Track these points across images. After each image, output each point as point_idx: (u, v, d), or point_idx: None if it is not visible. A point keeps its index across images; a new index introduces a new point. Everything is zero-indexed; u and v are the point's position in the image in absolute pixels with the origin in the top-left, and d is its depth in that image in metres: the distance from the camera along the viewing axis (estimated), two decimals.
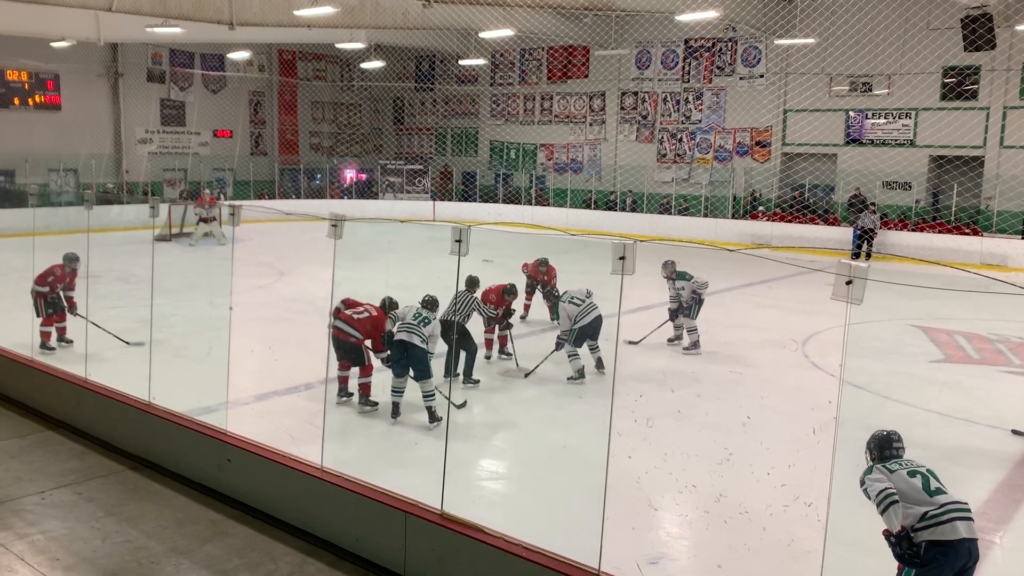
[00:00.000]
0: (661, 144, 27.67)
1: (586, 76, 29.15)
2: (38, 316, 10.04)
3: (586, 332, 9.40)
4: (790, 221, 23.99)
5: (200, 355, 10.36)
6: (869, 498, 4.30)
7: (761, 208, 25.29)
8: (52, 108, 26.51)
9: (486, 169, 32.08)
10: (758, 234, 23.65)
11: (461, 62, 30.04)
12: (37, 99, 26.27)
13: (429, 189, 31.92)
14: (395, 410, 8.15)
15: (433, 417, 7.98)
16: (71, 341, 10.24)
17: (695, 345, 11.18)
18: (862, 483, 4.38)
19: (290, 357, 10.31)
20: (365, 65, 30.01)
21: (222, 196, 28.82)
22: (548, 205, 29.35)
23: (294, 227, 22.42)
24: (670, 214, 26.50)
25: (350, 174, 33.12)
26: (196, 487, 6.51)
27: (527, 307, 12.81)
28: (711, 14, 19.70)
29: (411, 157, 33.93)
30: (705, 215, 26.11)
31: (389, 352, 8.20)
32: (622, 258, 5.09)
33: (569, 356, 9.44)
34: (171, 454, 6.90)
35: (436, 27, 22.72)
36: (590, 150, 29.38)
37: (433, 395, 7.96)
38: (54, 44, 24.10)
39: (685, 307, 11.23)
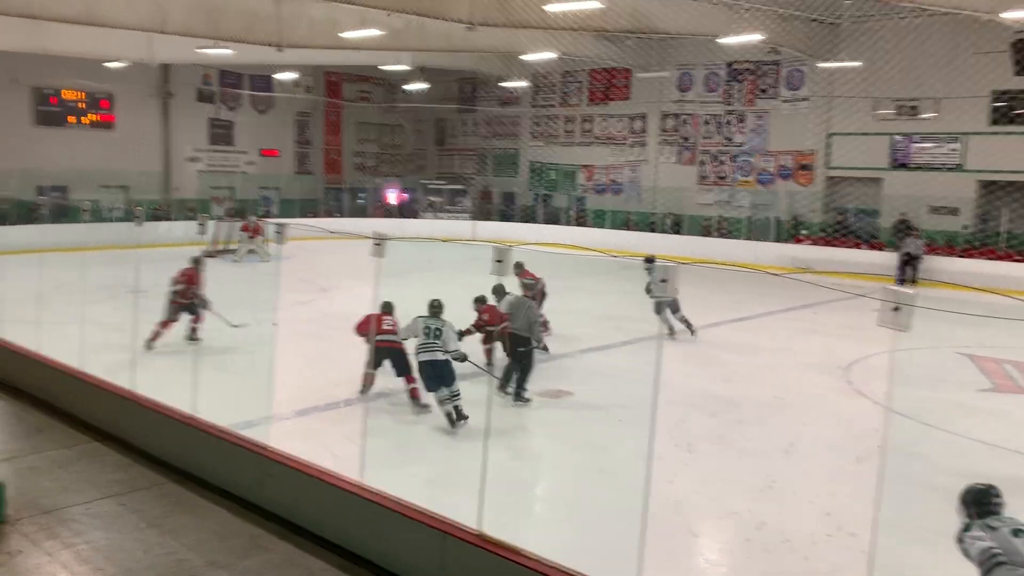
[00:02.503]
0: (702, 166, 27.52)
1: (627, 98, 29.15)
2: (166, 318, 11.20)
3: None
4: (833, 245, 23.65)
5: (243, 370, 10.48)
6: (968, 557, 4.04)
7: (804, 232, 24.97)
8: (105, 126, 27.25)
9: (526, 190, 32.18)
10: (801, 258, 23.33)
11: (503, 84, 30.27)
12: (92, 117, 27.04)
13: (469, 209, 32.09)
14: (459, 414, 8.24)
15: (460, 415, 8.16)
16: (200, 339, 11.30)
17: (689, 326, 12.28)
18: (960, 540, 4.12)
19: (331, 373, 10.39)
20: (409, 87, 30.40)
21: (268, 213, 29.30)
22: (588, 226, 29.31)
23: (336, 244, 22.67)
24: (711, 236, 26.29)
25: (393, 194, 33.46)
26: (237, 501, 6.56)
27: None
28: (754, 37, 19.62)
29: (452, 177, 34.18)
30: (747, 238, 25.84)
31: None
32: (664, 281, 5.07)
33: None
34: (213, 467, 6.97)
35: (479, 50, 22.95)
36: (630, 171, 29.32)
37: (459, 395, 8.21)
38: (109, 64, 24.82)
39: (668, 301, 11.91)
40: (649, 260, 12.79)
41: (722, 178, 27.10)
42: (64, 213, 20.66)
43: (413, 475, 7.33)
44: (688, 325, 12.79)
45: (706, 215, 27.08)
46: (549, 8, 16.42)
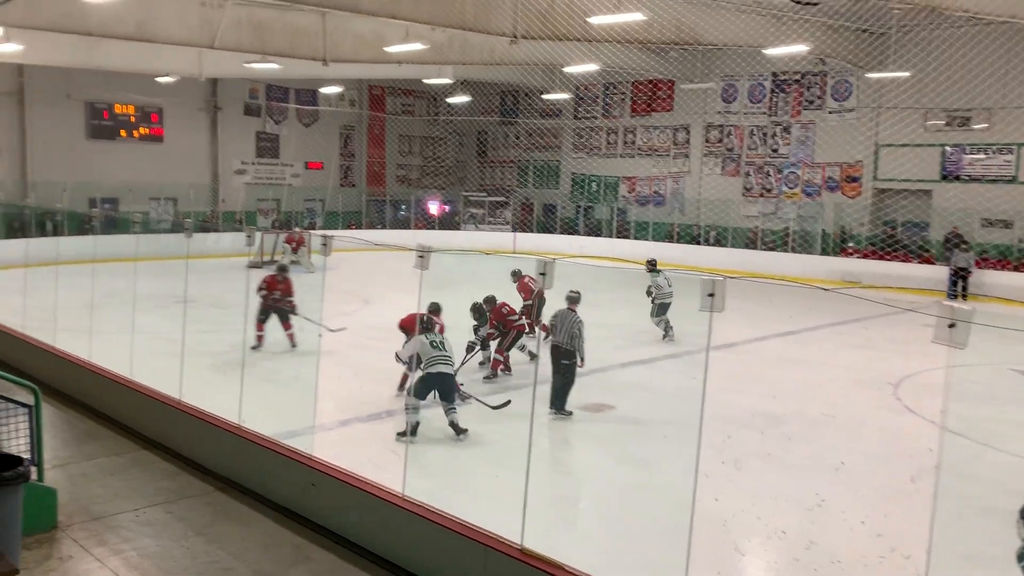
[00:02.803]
0: (747, 178, 27.24)
1: (670, 109, 29.01)
2: (257, 320, 12.16)
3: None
4: (882, 259, 23.20)
5: (288, 379, 10.61)
6: None
7: (851, 245, 24.56)
8: (155, 140, 27.89)
9: (567, 201, 32.15)
10: (849, 271, 22.93)
11: (545, 96, 30.33)
12: (142, 131, 27.70)
13: (510, 221, 32.17)
14: (415, 430, 8.23)
15: (459, 429, 8.43)
16: (296, 345, 12.24)
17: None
18: (1020, 558, 4.05)
19: (373, 384, 10.45)
20: (451, 100, 30.61)
21: (312, 225, 29.72)
22: (630, 238, 29.16)
23: (379, 256, 22.86)
24: (756, 249, 25.98)
25: (434, 205, 33.70)
26: (281, 510, 6.61)
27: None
28: (800, 48, 19.40)
29: (493, 189, 34.32)
30: (793, 251, 25.48)
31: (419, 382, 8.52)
32: (711, 295, 5.00)
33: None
34: (258, 477, 7.04)
35: (522, 63, 23.03)
36: (673, 183, 29.14)
37: (455, 408, 8.56)
38: (159, 79, 25.41)
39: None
40: (652, 263, 14.27)
41: (767, 190, 26.79)
42: (115, 224, 21.14)
43: (455, 487, 7.33)
44: (664, 329, 13.91)
45: (751, 227, 26.78)
46: (592, 20, 16.41)
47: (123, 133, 27.25)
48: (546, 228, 31.63)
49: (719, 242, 27.20)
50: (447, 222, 32.77)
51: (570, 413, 9.21)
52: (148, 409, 8.41)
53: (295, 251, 22.24)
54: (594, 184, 31.47)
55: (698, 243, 27.45)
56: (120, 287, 10.79)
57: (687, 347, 12.69)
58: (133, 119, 27.43)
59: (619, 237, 29.22)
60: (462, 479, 7.57)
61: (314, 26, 19.64)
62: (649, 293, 13.96)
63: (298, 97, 31.07)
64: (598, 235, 29.89)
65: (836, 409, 10.10)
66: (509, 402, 9.24)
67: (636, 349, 13.24)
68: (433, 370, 8.47)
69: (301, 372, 10.53)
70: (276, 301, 12.32)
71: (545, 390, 9.28)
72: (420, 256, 6.98)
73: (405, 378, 9.48)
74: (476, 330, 11.16)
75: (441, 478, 7.55)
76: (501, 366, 10.94)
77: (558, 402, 9.15)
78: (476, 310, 11.09)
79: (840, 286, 20.01)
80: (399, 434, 8.39)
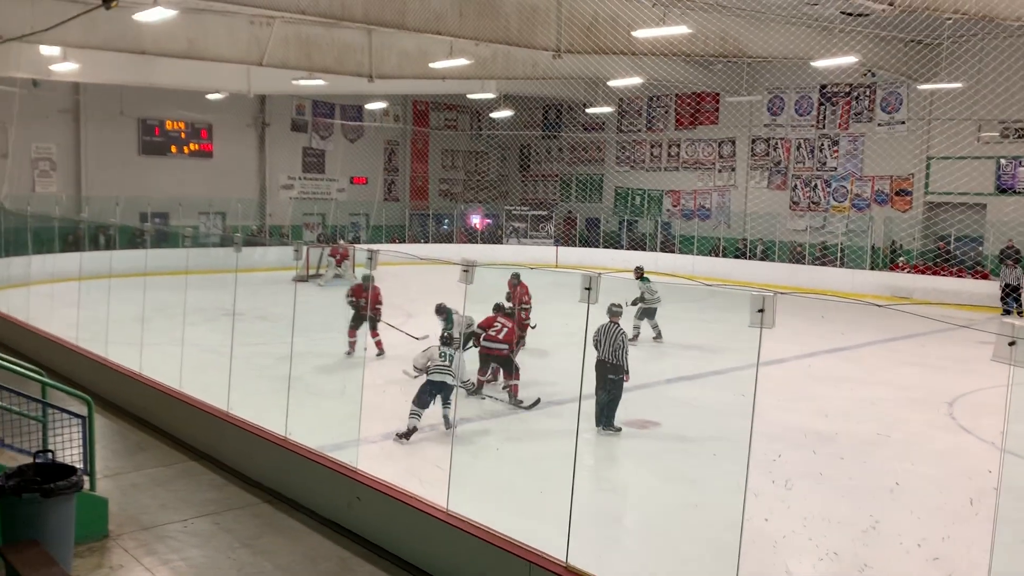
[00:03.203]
0: (794, 191, 26.87)
1: (715, 122, 28.78)
2: (349, 327, 13.09)
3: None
4: (934, 274, 22.65)
5: (333, 392, 10.68)
6: None
7: (902, 259, 24.04)
8: (204, 155, 28.48)
9: (610, 215, 32.04)
10: (899, 287, 22.44)
11: (588, 110, 30.31)
12: (192, 147, 28.31)
13: (553, 234, 32.15)
14: (410, 433, 8.87)
15: (448, 423, 9.02)
16: (382, 352, 12.93)
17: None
18: None
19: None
20: (494, 114, 30.76)
21: (357, 239, 30.05)
22: (674, 252, 28.93)
23: (423, 270, 23.00)
24: (803, 263, 25.58)
25: (476, 219, 33.84)
26: (326, 523, 6.64)
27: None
28: (849, 59, 19.10)
29: (536, 203, 34.35)
30: (842, 265, 25.03)
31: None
32: (761, 311, 4.91)
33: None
34: (304, 489, 7.09)
35: (565, 76, 23.03)
36: (719, 196, 28.87)
37: (450, 405, 9.10)
38: (209, 96, 25.97)
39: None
40: (640, 271, 15.14)
41: (815, 203, 26.39)
42: (165, 238, 21.60)
43: (499, 503, 7.29)
44: (656, 332, 14.58)
45: (798, 241, 26.39)
46: (636, 34, 16.36)
47: (173, 149, 27.88)
48: (589, 242, 31.53)
49: (766, 256, 26.85)
50: (489, 236, 32.86)
51: (619, 429, 9.11)
52: (196, 421, 8.54)
53: (339, 264, 22.51)
54: (638, 198, 31.32)
55: (744, 257, 27.12)
56: (170, 300, 11.00)
57: (733, 363, 12.50)
58: (183, 135, 28.05)
59: (663, 251, 29.00)
60: (507, 495, 7.53)
61: (360, 43, 19.89)
62: (635, 302, 14.33)
63: (344, 113, 31.50)
64: (642, 249, 29.70)
65: (890, 428, 9.85)
66: (539, 400, 9.80)
67: (681, 365, 13.09)
68: (435, 378, 8.96)
69: (347, 385, 10.60)
70: (362, 308, 12.96)
71: (587, 406, 9.21)
72: (465, 270, 6.99)
73: (478, 383, 10.62)
74: (446, 336, 10.31)
75: (485, 493, 7.52)
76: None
77: (605, 418, 9.06)
78: (441, 311, 11.17)
79: (892, 301, 19.60)
80: (398, 435, 8.90)
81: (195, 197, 27.20)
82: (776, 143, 27.23)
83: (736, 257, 27.26)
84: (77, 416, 6.45)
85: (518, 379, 10.40)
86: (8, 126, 22.38)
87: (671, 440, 9.25)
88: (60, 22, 14.44)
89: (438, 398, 9.03)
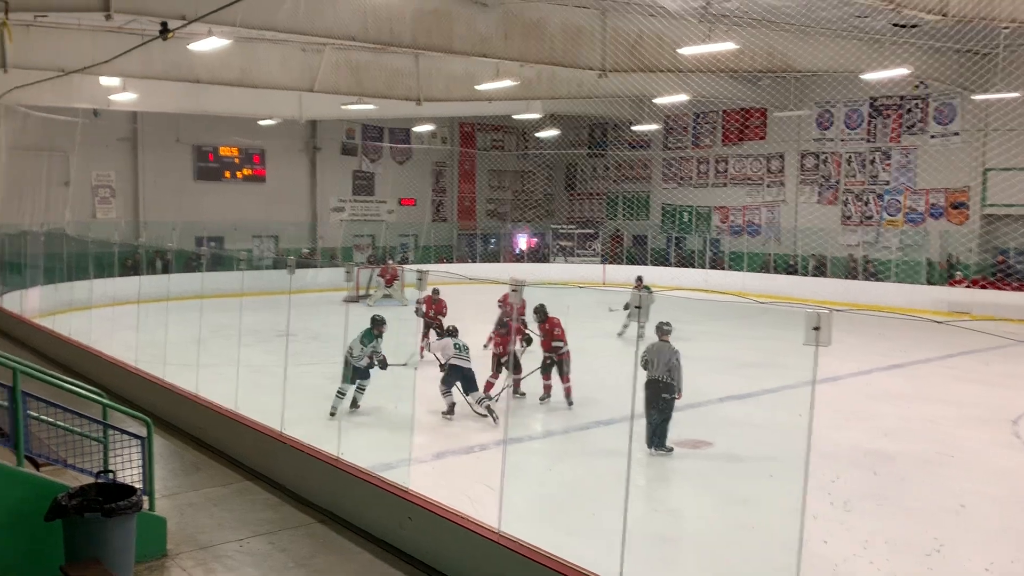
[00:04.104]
0: (846, 206, 26.39)
1: (763, 138, 28.46)
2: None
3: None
4: (993, 288, 21.99)
5: (384, 412, 10.74)
6: None
7: (959, 273, 23.40)
8: (258, 180, 29.09)
9: (658, 232, 31.84)
10: (957, 302, 21.83)
11: (634, 128, 30.24)
12: (245, 172, 28.95)
13: (600, 252, 32.04)
14: (452, 408, 10.54)
15: (493, 413, 10.33)
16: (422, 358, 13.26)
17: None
18: None
19: (467, 417, 10.47)
20: (540, 134, 30.87)
21: (406, 260, 30.34)
22: (723, 268, 28.58)
23: (471, 290, 23.09)
24: (857, 279, 25.05)
25: (522, 239, 33.92)
26: (378, 543, 6.64)
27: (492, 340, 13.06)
28: (900, 71, 18.76)
29: (582, 221, 34.31)
30: (896, 281, 24.45)
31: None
32: (816, 328, 4.80)
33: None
34: (356, 509, 7.11)
35: (610, 95, 23.03)
36: (768, 212, 28.49)
37: (484, 399, 10.54)
38: (261, 122, 26.54)
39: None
40: (640, 280, 16.60)
41: (867, 218, 25.88)
42: (220, 262, 22.07)
43: (551, 523, 7.22)
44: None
45: (850, 256, 25.87)
46: (682, 51, 16.30)
47: (227, 174, 28.52)
48: (636, 260, 31.35)
49: (818, 272, 26.36)
50: (536, 255, 32.90)
51: (671, 449, 8.99)
52: (251, 441, 8.64)
53: (388, 284, 22.69)
54: (686, 214, 31.07)
55: (795, 273, 26.68)
56: (225, 322, 11.20)
57: (786, 381, 12.27)
58: (237, 160, 28.70)
59: (712, 268, 28.68)
60: (558, 515, 7.46)
61: (408, 67, 20.17)
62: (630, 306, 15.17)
63: (392, 136, 31.93)
64: (690, 266, 29.43)
65: (951, 447, 9.54)
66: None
67: (732, 383, 12.88)
68: (455, 363, 10.48)
69: (397, 405, 10.64)
70: (432, 318, 14.29)
71: (637, 426, 9.10)
72: (513, 290, 6.99)
73: (545, 388, 11.36)
74: (453, 328, 11.57)
75: (537, 514, 7.46)
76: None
77: (657, 439, 8.93)
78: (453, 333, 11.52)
79: (949, 317, 19.07)
80: (444, 413, 10.41)
81: (249, 221, 27.76)
82: (826, 157, 26.81)
83: (787, 273, 26.84)
84: (137, 437, 6.57)
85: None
86: (70, 155, 23.13)
87: (724, 460, 9.09)
88: (119, 54, 14.92)
89: (454, 388, 10.48)
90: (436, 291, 14.91)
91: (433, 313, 14.45)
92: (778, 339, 12.31)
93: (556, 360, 11.18)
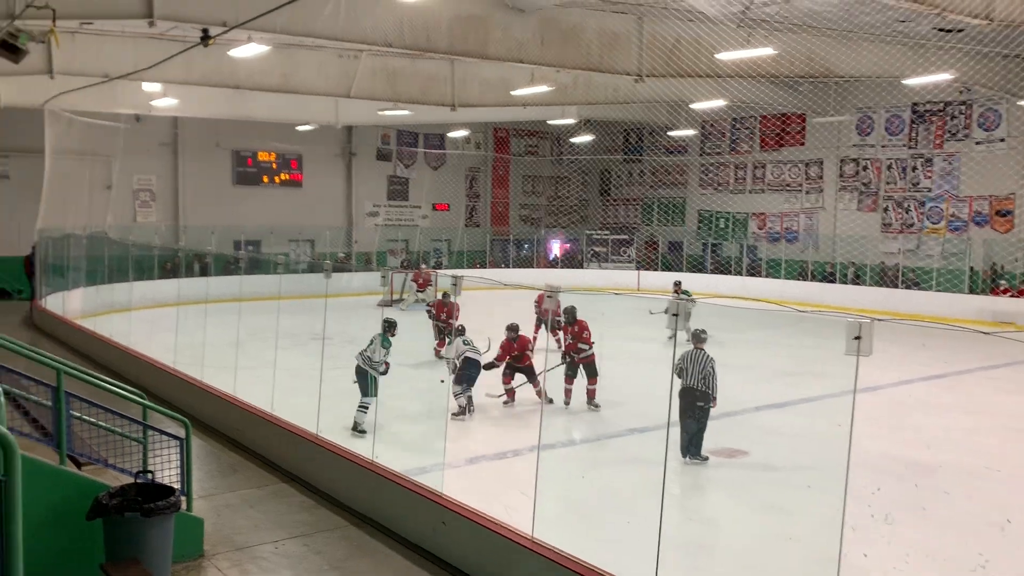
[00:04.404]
0: (886, 213, 25.99)
1: (802, 143, 28.14)
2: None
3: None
4: None
5: (418, 415, 10.78)
6: None
7: (1004, 283, 22.90)
8: (295, 185, 29.44)
9: (693, 238, 31.62)
10: (1002, 311, 21.35)
11: (670, 133, 30.08)
12: (282, 177, 29.32)
13: (634, 259, 31.90)
14: (466, 409, 10.63)
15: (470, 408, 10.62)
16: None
17: None
18: None
19: (500, 422, 10.47)
20: (575, 139, 30.83)
21: (439, 265, 30.46)
22: (760, 276, 28.29)
23: (503, 295, 23.12)
24: (897, 288, 24.64)
25: (556, 245, 33.89)
26: (412, 547, 6.67)
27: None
28: (943, 76, 18.44)
29: (617, 227, 34.20)
30: (938, 289, 24.00)
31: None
32: (858, 338, 4.73)
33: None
34: (391, 512, 7.15)
35: (646, 100, 22.92)
36: (806, 219, 28.16)
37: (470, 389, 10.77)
38: (299, 128, 26.85)
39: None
40: (679, 284, 17.37)
41: (908, 225, 25.45)
42: (257, 265, 22.35)
43: (585, 531, 7.19)
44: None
45: (890, 264, 25.46)
46: (720, 57, 16.18)
47: (265, 179, 28.91)
48: (671, 266, 31.14)
49: (857, 280, 25.98)
50: (570, 260, 32.85)
51: (706, 458, 8.90)
52: (287, 443, 8.72)
53: (421, 289, 22.71)
54: (722, 221, 30.82)
55: (833, 281, 26.32)
56: (262, 325, 11.32)
57: (825, 390, 12.09)
58: (275, 166, 29.08)
59: (749, 275, 28.41)
60: (593, 523, 7.42)
61: (444, 73, 20.29)
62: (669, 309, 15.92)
63: (427, 141, 32.12)
64: (727, 273, 29.18)
65: (996, 460, 9.33)
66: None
67: (769, 392, 12.72)
68: (468, 356, 10.74)
69: (431, 408, 10.68)
70: (444, 322, 14.47)
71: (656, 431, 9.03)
72: (548, 296, 6.99)
73: (567, 393, 11.30)
74: (460, 326, 11.51)
75: (571, 521, 7.43)
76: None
77: (693, 447, 8.85)
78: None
79: (994, 327, 18.67)
80: (453, 414, 10.23)
81: (285, 225, 28.09)
82: (866, 163, 26.43)
83: (825, 281, 26.47)
84: (175, 438, 6.67)
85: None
86: (113, 159, 23.58)
87: (761, 470, 8.98)
88: (161, 60, 15.19)
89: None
90: (447, 295, 15.01)
91: (445, 317, 14.62)
92: (817, 348, 12.15)
93: (577, 363, 11.13)
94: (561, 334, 12.69)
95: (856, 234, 26.39)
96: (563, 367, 11.36)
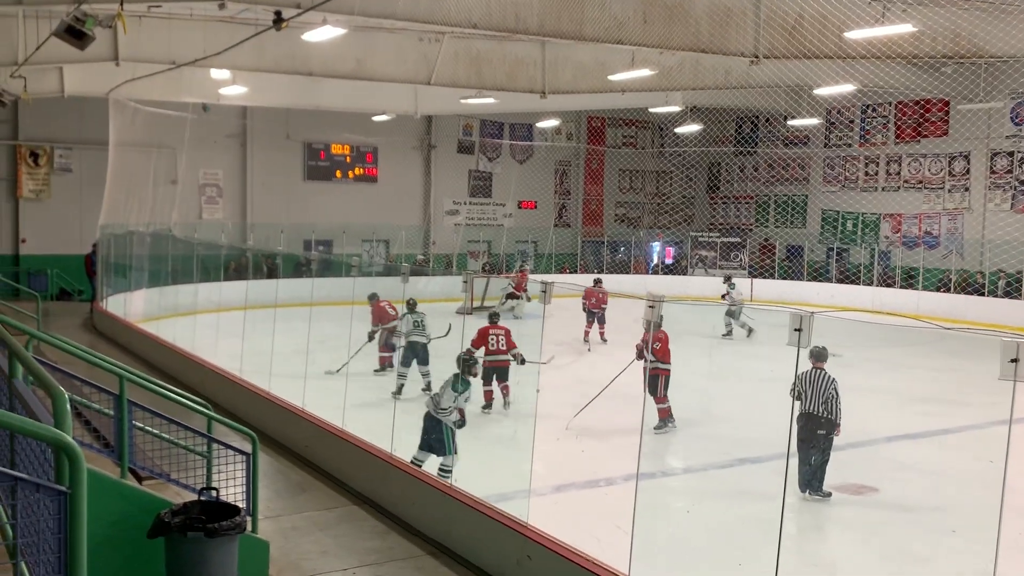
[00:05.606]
0: None
1: (945, 134, 27.18)
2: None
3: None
4: None
5: (502, 437, 10.84)
6: None
7: None
8: (369, 180, 30.08)
9: (816, 242, 30.88)
10: None
11: (790, 122, 29.49)
12: (356, 171, 30.00)
13: (746, 264, 31.36)
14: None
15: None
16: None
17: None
18: None
19: (591, 447, 10.43)
20: (680, 129, 30.52)
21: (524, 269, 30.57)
22: (894, 286, 27.42)
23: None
24: None
25: (657, 247, 33.58)
26: None
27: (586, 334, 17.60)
28: None
29: (726, 228, 33.69)
30: None
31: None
32: (1014, 360, 4.55)
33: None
34: (469, 542, 7.20)
35: (762, 85, 22.53)
36: (949, 221, 27.18)
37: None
38: (375, 118, 27.42)
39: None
40: (728, 277, 20.10)
41: None
42: (328, 267, 22.92)
43: (689, 572, 7.10)
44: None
45: None
46: (849, 35, 15.78)
47: (338, 174, 29.64)
48: (790, 274, 30.49)
49: (1010, 293, 24.87)
50: (672, 266, 32.52)
51: (828, 494, 8.66)
52: (359, 462, 8.89)
53: (519, 291, 22.33)
54: (849, 222, 30.02)
55: (982, 293, 25.28)
56: (333, 332, 11.60)
57: (970, 420, 11.64)
58: (349, 159, 29.78)
59: (881, 285, 27.57)
60: (698, 565, 7.31)
61: (533, 56, 20.39)
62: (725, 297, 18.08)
63: (513, 132, 32.33)
64: (855, 282, 28.39)
65: None
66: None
67: (904, 420, 12.31)
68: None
69: (517, 430, 10.73)
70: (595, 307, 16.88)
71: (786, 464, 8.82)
72: (650, 306, 6.91)
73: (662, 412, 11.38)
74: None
75: (673, 561, 7.34)
76: None
77: (815, 481, 8.63)
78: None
79: None
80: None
81: (359, 224, 28.68)
82: (1022, 157, 25.34)
83: (971, 293, 25.45)
84: (242, 453, 6.87)
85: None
86: (178, 152, 24.55)
87: (893, 510, 8.68)
88: (231, 45, 15.76)
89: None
90: (598, 281, 17.90)
91: (595, 301, 16.87)
92: (961, 370, 11.71)
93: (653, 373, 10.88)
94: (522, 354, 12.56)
95: (1009, 239, 25.31)
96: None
